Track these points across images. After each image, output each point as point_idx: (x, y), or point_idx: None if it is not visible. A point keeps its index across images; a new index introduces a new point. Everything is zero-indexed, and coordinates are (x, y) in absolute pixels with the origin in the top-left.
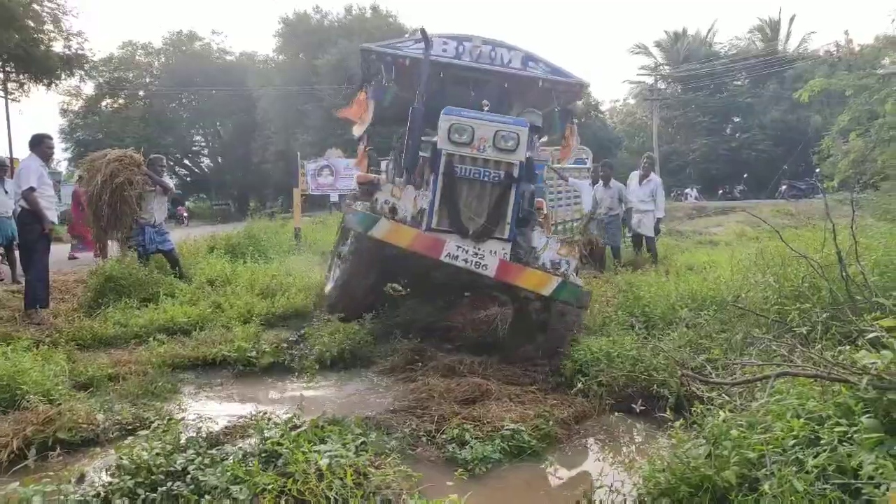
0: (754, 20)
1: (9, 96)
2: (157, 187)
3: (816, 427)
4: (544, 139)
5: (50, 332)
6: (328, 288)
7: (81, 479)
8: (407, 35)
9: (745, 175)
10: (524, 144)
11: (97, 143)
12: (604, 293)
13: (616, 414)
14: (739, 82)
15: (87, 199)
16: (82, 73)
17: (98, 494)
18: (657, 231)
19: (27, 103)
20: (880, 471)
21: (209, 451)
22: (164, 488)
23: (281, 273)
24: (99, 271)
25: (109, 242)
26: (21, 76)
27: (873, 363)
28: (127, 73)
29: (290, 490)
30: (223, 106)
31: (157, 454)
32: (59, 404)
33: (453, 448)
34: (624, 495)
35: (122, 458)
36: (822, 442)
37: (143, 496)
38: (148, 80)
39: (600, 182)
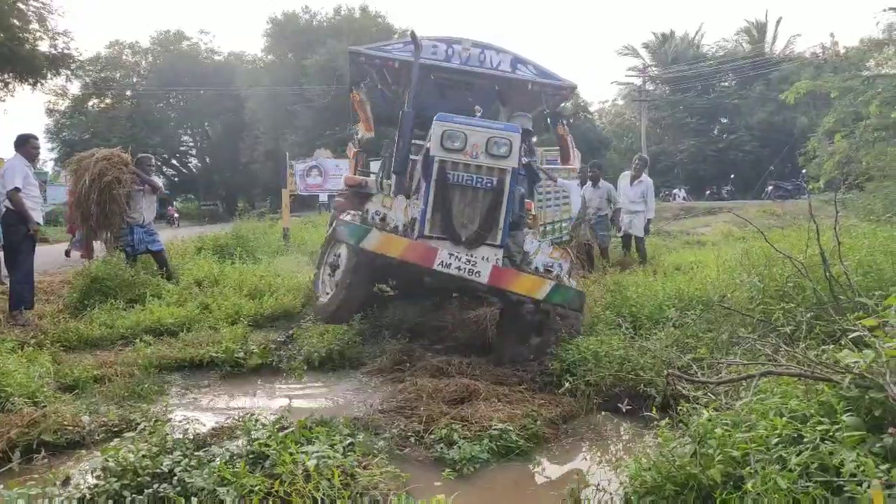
0: (741, 22)
1: None
2: (145, 186)
3: (800, 425)
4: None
5: (35, 333)
6: (322, 301)
7: (67, 481)
8: (396, 36)
9: (732, 176)
10: (517, 150)
11: (84, 143)
12: (592, 293)
13: (603, 413)
14: (726, 84)
15: (75, 199)
16: (68, 72)
17: (83, 497)
18: (647, 231)
19: (12, 103)
20: (862, 468)
21: (196, 453)
22: (150, 490)
23: (269, 274)
24: (85, 272)
25: (96, 243)
26: (6, 75)
27: (856, 362)
28: (114, 72)
29: (277, 491)
30: (211, 106)
31: (144, 456)
32: (44, 406)
33: (441, 448)
34: (611, 494)
35: (107, 461)
36: (805, 440)
37: (129, 498)
38: (135, 79)
39: (589, 182)
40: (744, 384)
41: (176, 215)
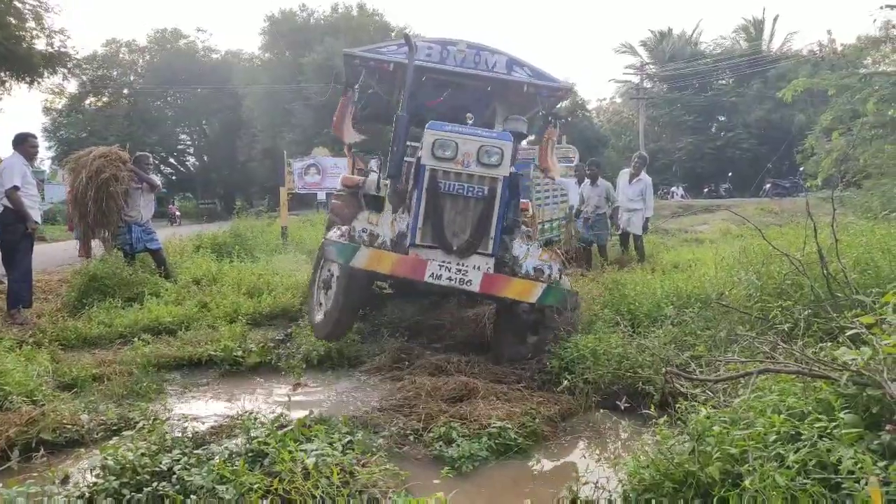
0: (739, 20)
1: None
2: (143, 184)
3: (797, 423)
4: (531, 137)
5: (33, 332)
6: (317, 318)
7: (66, 480)
8: (393, 34)
9: (729, 173)
10: (508, 159)
11: (81, 142)
12: (590, 291)
13: (601, 411)
14: (724, 81)
15: (73, 197)
16: (65, 70)
17: (83, 495)
18: (645, 230)
19: (9, 101)
20: (860, 465)
21: (195, 451)
22: (149, 489)
23: (268, 272)
24: (83, 271)
25: (94, 241)
26: (2, 74)
27: (853, 360)
28: (111, 70)
29: (276, 489)
30: (209, 104)
31: (143, 454)
32: (43, 405)
33: (440, 446)
34: (609, 491)
35: (106, 459)
36: (802, 437)
37: (128, 496)
38: (132, 78)
39: (587, 180)
40: (742, 382)
41: (178, 213)
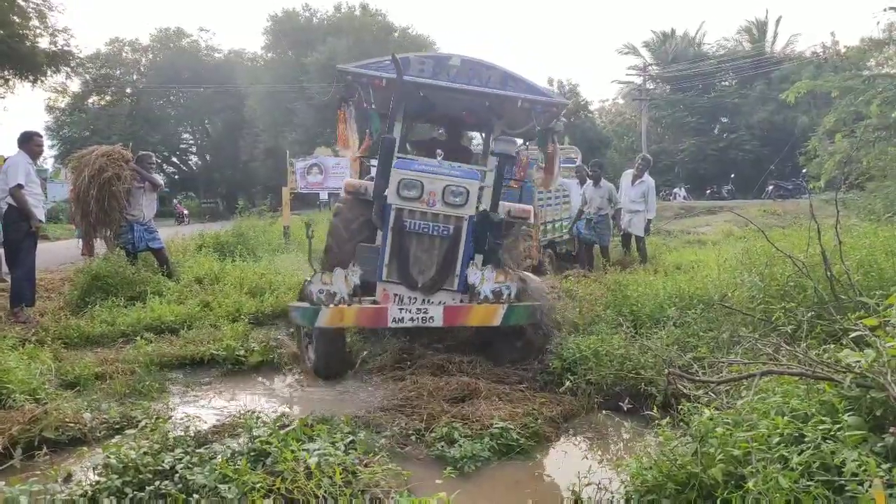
0: (742, 21)
1: None
2: (145, 184)
3: (801, 425)
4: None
5: (36, 330)
6: (309, 365)
7: (68, 478)
8: (396, 34)
9: (732, 175)
10: (474, 198)
11: (84, 141)
12: (592, 292)
13: (604, 412)
14: (727, 83)
15: (75, 196)
16: (68, 69)
17: (85, 493)
18: (647, 231)
19: (12, 100)
20: (863, 468)
21: (197, 450)
22: (151, 487)
23: (270, 271)
24: (85, 269)
25: (97, 240)
26: (6, 72)
27: (857, 362)
28: (114, 69)
29: (278, 489)
30: (211, 103)
31: (145, 453)
32: (46, 403)
33: (442, 446)
34: (611, 493)
35: (109, 457)
36: (806, 439)
37: (130, 495)
38: (135, 77)
39: (590, 182)
40: (745, 383)
41: (186, 212)
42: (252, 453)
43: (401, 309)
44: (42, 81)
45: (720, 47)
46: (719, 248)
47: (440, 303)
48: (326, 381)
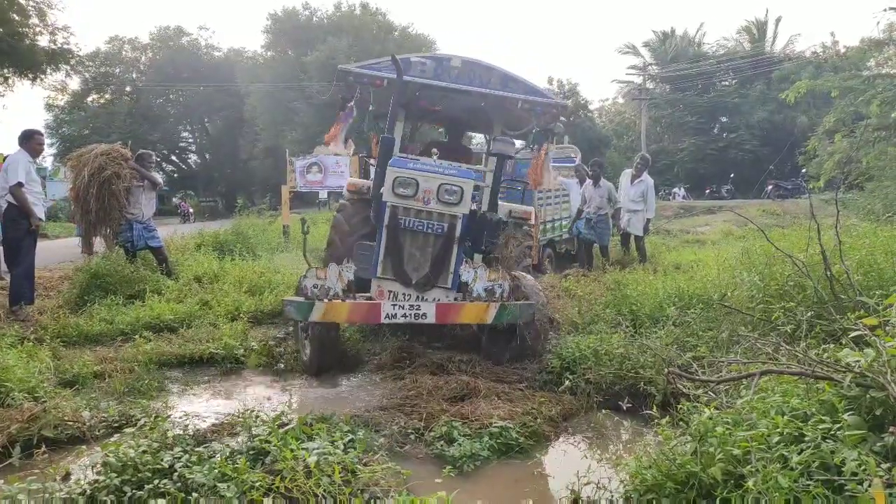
0: (742, 21)
1: None
2: (145, 182)
3: (800, 424)
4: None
5: (35, 328)
6: (305, 360)
7: (67, 476)
8: (396, 33)
9: (732, 175)
10: (469, 197)
11: (83, 139)
12: (592, 291)
13: (603, 411)
14: (727, 82)
15: (75, 194)
16: (68, 67)
17: (84, 492)
18: (646, 231)
19: (12, 98)
20: (863, 467)
21: (196, 449)
22: (150, 486)
23: (269, 270)
24: (85, 268)
25: (96, 238)
26: (5, 70)
27: (857, 361)
28: (113, 68)
29: (277, 487)
30: (211, 102)
31: (144, 452)
32: (45, 402)
33: (441, 445)
34: (611, 492)
35: (108, 456)
36: (806, 439)
37: (129, 494)
38: (135, 75)
39: (589, 181)
40: (744, 383)
41: (191, 211)
42: (251, 452)
43: (394, 305)
44: (41, 79)
45: (720, 47)
46: (719, 248)
47: (433, 300)
48: (318, 377)
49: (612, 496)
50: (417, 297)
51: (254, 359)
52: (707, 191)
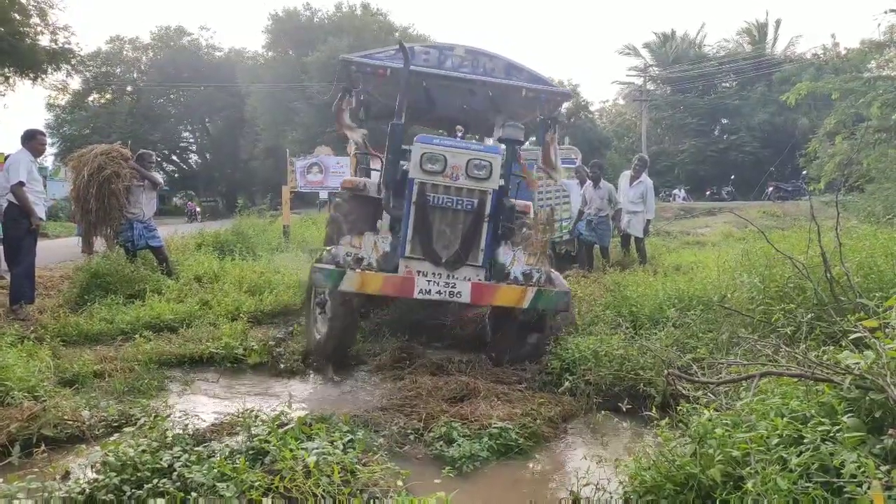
0: (742, 23)
1: None
2: (145, 182)
3: (800, 426)
4: (532, 139)
5: (35, 327)
6: (318, 339)
7: (66, 475)
8: (397, 34)
9: (732, 176)
10: (497, 172)
11: (84, 139)
12: (592, 292)
13: (603, 412)
14: (728, 84)
15: (75, 194)
16: (69, 67)
17: (83, 491)
18: (646, 232)
19: (13, 97)
20: (862, 469)
21: (196, 448)
22: (149, 485)
23: (269, 270)
24: (85, 267)
25: (96, 238)
26: (6, 70)
27: (856, 363)
28: (114, 67)
29: (277, 487)
30: (212, 102)
31: (143, 451)
32: (44, 400)
33: (441, 446)
34: (610, 493)
35: (107, 455)
36: (805, 441)
37: (128, 493)
38: (136, 75)
39: (590, 182)
40: (744, 384)
41: (197, 210)
42: (251, 452)
43: (428, 281)
44: (42, 79)
45: (720, 49)
46: (719, 250)
47: (465, 278)
48: (328, 360)
49: (612, 497)
50: (450, 275)
51: (254, 359)
52: (707, 192)
